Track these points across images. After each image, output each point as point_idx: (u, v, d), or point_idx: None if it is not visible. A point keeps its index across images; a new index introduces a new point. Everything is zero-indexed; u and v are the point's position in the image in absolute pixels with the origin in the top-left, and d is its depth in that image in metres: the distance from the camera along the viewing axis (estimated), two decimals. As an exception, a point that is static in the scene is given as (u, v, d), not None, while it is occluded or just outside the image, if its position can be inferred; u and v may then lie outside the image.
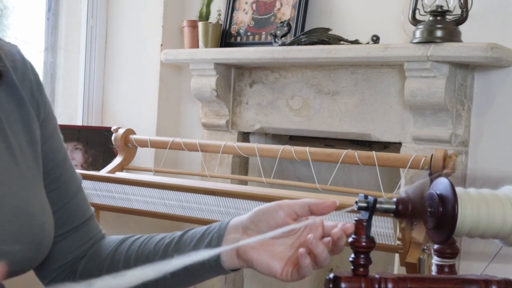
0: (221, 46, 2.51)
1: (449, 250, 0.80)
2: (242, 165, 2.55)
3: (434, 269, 0.81)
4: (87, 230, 0.97)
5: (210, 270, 0.86)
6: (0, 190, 0.82)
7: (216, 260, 0.84)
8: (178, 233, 0.90)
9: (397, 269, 1.98)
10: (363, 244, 0.72)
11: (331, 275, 0.71)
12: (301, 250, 0.79)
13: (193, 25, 2.55)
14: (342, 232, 0.79)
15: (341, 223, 0.81)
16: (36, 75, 0.94)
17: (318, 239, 0.79)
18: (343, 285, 0.70)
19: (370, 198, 0.73)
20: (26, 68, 0.92)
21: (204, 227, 0.89)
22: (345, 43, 2.16)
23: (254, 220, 0.83)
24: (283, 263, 0.82)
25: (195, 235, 0.88)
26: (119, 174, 2.27)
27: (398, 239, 1.66)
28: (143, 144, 2.34)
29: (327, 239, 0.81)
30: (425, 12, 1.96)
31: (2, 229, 0.80)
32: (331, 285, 0.70)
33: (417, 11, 1.98)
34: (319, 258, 0.79)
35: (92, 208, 1.01)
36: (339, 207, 0.85)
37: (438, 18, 1.92)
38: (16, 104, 0.89)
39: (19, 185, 0.85)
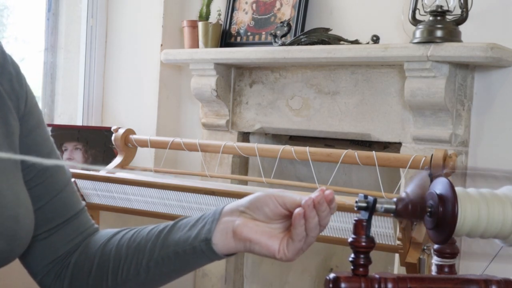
0: (221, 46, 2.51)
1: (449, 250, 0.80)
2: (242, 165, 2.55)
3: (434, 269, 0.81)
4: (78, 224, 0.96)
5: (202, 255, 0.85)
6: None
7: (207, 243, 0.84)
8: (172, 221, 0.90)
9: (397, 269, 1.98)
10: (363, 244, 0.72)
11: (331, 275, 0.71)
12: (298, 209, 0.82)
13: (193, 25, 2.55)
14: (322, 197, 0.82)
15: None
16: (16, 68, 0.94)
17: (313, 205, 0.82)
18: (343, 285, 0.70)
19: (370, 198, 0.73)
20: (5, 61, 0.92)
21: (198, 215, 0.89)
22: (345, 43, 2.16)
23: (251, 207, 0.85)
24: (279, 243, 0.84)
25: (189, 221, 0.88)
26: (119, 174, 2.26)
27: (398, 239, 1.66)
28: (143, 144, 2.34)
29: None
30: (425, 12, 1.96)
31: None
32: (331, 285, 0.70)
33: (417, 11, 1.98)
34: (310, 224, 0.81)
35: (83, 202, 1.00)
36: (339, 208, 0.86)
37: (438, 18, 1.92)
38: None
39: None
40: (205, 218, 0.87)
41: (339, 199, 1.91)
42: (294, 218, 0.82)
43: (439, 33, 1.91)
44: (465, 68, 2.02)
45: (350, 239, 0.73)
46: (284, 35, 2.28)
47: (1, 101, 0.90)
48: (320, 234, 1.92)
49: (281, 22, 2.32)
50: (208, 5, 2.55)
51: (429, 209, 0.72)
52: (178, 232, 0.87)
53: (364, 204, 0.73)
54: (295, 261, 0.83)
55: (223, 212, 0.87)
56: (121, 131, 2.33)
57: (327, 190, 0.83)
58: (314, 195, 0.82)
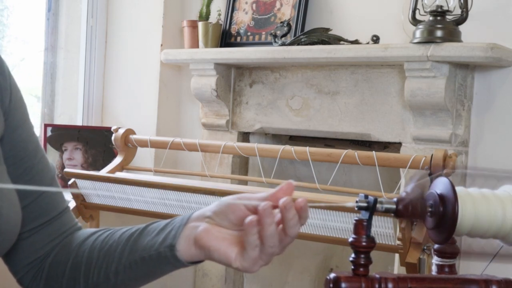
0: (221, 46, 2.51)
1: (449, 250, 0.80)
2: (242, 165, 2.55)
3: (434, 269, 0.81)
4: (60, 224, 0.95)
5: (166, 261, 0.83)
6: None
7: (172, 249, 0.82)
8: (144, 225, 0.89)
9: (397, 269, 1.98)
10: (363, 244, 0.72)
11: (332, 275, 0.71)
12: (251, 216, 0.76)
13: (193, 25, 2.55)
14: (290, 201, 0.76)
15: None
16: (1, 62, 0.93)
17: (271, 209, 0.76)
18: (343, 285, 0.70)
19: (370, 198, 0.73)
20: None
21: (169, 219, 0.87)
22: (345, 43, 2.16)
23: (217, 212, 0.81)
24: (237, 251, 0.79)
25: (159, 225, 0.86)
26: (119, 174, 2.26)
27: (398, 239, 1.66)
28: (143, 144, 2.34)
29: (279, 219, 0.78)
30: (425, 12, 1.96)
31: None
32: (331, 285, 0.70)
33: (417, 11, 1.98)
34: (265, 231, 0.76)
35: (67, 201, 0.99)
36: (339, 208, 0.85)
37: (438, 18, 1.92)
38: None
39: None
40: (174, 223, 0.84)
41: (339, 199, 1.91)
42: (245, 225, 0.76)
43: (439, 33, 1.91)
44: (465, 68, 2.02)
45: (350, 239, 0.73)
46: (284, 35, 2.28)
47: None
48: (320, 234, 1.92)
49: (281, 22, 2.32)
50: (208, 5, 2.55)
51: (430, 209, 0.72)
52: (147, 236, 0.85)
53: (364, 204, 0.73)
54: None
55: (191, 217, 0.83)
56: (121, 131, 2.33)
57: (300, 198, 0.77)
58: (282, 201, 0.76)
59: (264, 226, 0.76)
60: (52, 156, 2.60)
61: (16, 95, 0.94)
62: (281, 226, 0.77)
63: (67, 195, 2.21)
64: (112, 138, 2.36)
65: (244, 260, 0.78)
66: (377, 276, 0.71)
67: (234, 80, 2.51)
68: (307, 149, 1.97)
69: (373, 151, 1.88)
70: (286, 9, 2.39)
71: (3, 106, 0.91)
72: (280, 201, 0.77)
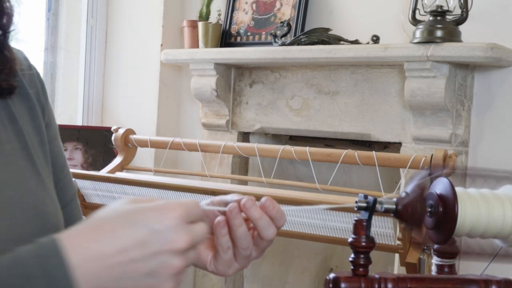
0: (221, 46, 2.51)
1: (449, 250, 0.80)
2: (242, 165, 2.55)
3: (434, 269, 0.81)
4: None
5: None
6: (19, 189, 0.81)
7: None
8: None
9: (397, 269, 1.98)
10: (363, 244, 0.72)
11: (331, 275, 0.71)
12: (219, 217, 0.75)
13: (193, 25, 2.55)
14: (250, 200, 0.74)
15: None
16: (41, 81, 0.96)
17: (239, 211, 0.75)
18: (343, 285, 0.70)
19: (370, 198, 0.72)
20: (32, 74, 0.94)
21: None
22: (345, 43, 2.16)
23: None
24: (212, 255, 0.79)
25: None
26: (119, 174, 2.26)
27: (398, 239, 1.66)
28: (143, 144, 2.34)
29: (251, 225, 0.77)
30: (425, 12, 1.96)
31: (22, 228, 0.79)
32: (331, 285, 0.70)
33: (417, 11, 1.98)
34: (234, 233, 0.74)
35: (84, 218, 1.00)
36: (339, 208, 0.85)
37: (438, 18, 1.92)
38: (27, 107, 0.91)
39: (35, 185, 0.85)
40: None
41: (339, 199, 1.90)
42: (214, 226, 0.75)
43: (439, 33, 1.91)
44: (465, 68, 2.02)
45: (350, 239, 0.73)
46: (284, 35, 2.28)
47: (36, 112, 0.91)
48: (320, 234, 1.92)
49: (281, 22, 2.32)
50: (208, 5, 2.55)
51: (429, 209, 0.72)
52: None
53: (364, 204, 0.73)
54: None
55: None
56: (121, 131, 2.33)
57: (264, 197, 0.77)
58: (243, 201, 0.75)
59: (232, 227, 0.75)
60: (52, 156, 2.60)
61: (51, 112, 0.97)
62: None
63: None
64: (112, 138, 2.36)
65: (218, 264, 0.77)
66: (377, 276, 0.71)
67: (234, 80, 2.51)
68: (307, 149, 1.97)
69: (373, 151, 1.88)
70: (286, 9, 2.39)
71: (44, 123, 0.94)
72: (241, 201, 0.75)
